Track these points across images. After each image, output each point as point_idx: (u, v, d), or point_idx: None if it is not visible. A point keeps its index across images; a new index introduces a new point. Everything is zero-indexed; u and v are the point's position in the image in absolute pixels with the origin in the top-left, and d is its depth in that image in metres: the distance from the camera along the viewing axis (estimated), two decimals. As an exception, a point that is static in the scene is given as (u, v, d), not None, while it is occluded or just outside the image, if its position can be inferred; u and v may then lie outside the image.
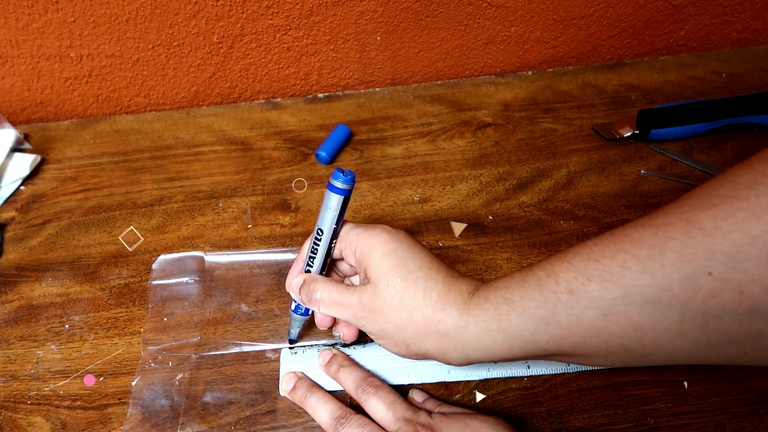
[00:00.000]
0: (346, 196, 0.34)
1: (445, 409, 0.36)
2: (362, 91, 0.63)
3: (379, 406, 0.34)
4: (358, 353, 0.39)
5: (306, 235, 0.49)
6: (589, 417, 0.37)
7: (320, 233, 0.35)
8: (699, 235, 0.25)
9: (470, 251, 0.46)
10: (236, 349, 0.41)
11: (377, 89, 0.63)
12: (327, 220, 0.34)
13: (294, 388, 0.37)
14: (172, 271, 0.46)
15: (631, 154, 0.53)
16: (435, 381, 0.38)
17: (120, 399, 0.40)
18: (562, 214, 0.49)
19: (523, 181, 0.52)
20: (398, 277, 0.31)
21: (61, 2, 0.54)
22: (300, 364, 0.39)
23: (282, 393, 0.38)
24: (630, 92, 0.60)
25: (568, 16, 0.61)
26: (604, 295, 0.26)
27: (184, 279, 0.45)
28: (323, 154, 0.54)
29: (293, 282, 0.37)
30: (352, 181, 0.33)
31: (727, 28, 0.64)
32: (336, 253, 0.36)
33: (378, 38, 0.61)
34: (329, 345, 0.40)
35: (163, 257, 0.47)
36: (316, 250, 0.35)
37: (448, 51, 0.63)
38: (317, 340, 0.41)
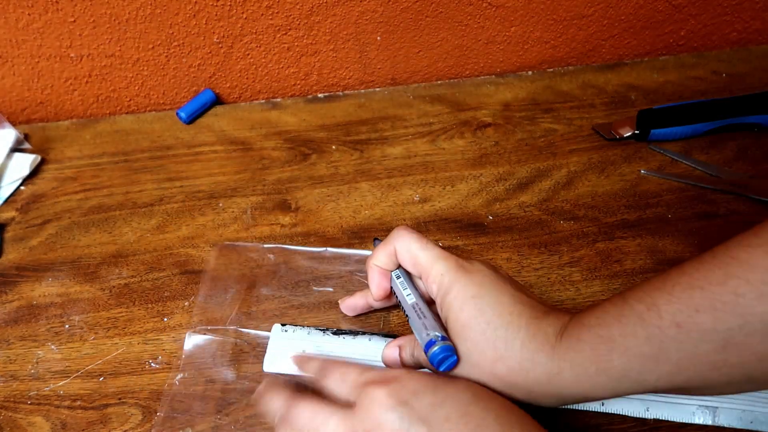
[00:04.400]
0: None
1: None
2: (362, 91, 0.63)
3: (332, 383, 0.31)
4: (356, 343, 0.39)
5: (306, 235, 0.49)
6: (590, 417, 0.36)
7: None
8: None
9: (470, 251, 0.46)
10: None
11: (377, 89, 0.63)
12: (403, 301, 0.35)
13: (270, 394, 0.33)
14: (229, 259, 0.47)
15: (631, 154, 0.53)
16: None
17: (120, 399, 0.40)
18: (562, 214, 0.49)
19: (523, 181, 0.52)
20: (476, 330, 0.30)
21: (61, 2, 0.54)
22: (290, 343, 0.40)
23: (265, 370, 0.39)
24: (630, 92, 0.60)
25: (568, 16, 0.61)
26: (718, 327, 0.24)
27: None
28: (182, 114, 0.59)
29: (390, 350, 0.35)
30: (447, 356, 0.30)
31: (727, 28, 0.64)
32: (415, 271, 0.35)
33: (378, 38, 0.61)
34: (320, 330, 0.41)
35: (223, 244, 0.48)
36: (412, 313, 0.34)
37: (448, 51, 0.63)
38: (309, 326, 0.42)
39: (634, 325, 0.26)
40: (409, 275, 0.37)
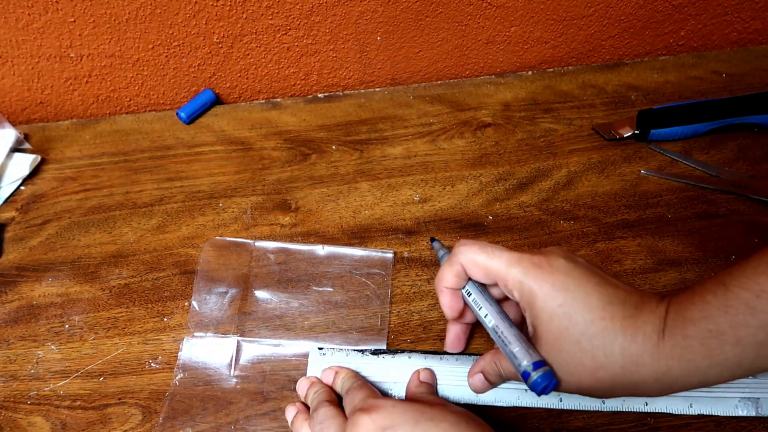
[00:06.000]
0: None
1: (422, 389, 0.36)
2: (362, 91, 0.63)
3: (346, 399, 0.34)
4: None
5: (306, 235, 0.49)
6: (589, 417, 0.37)
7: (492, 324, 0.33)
8: None
9: (470, 251, 0.46)
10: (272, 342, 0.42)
11: (377, 89, 0.63)
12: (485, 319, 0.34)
13: (306, 396, 0.37)
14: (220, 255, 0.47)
15: (631, 154, 0.53)
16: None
17: (120, 399, 0.40)
18: (562, 214, 0.49)
19: (523, 181, 0.52)
20: (570, 341, 0.29)
21: (61, 2, 0.54)
22: (327, 365, 0.39)
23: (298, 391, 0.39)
24: (630, 92, 0.60)
25: (568, 16, 0.61)
26: None
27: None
28: (182, 114, 0.59)
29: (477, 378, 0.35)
30: (541, 391, 0.30)
31: (727, 28, 0.64)
32: (489, 281, 0.34)
33: (378, 38, 0.61)
34: (359, 351, 0.40)
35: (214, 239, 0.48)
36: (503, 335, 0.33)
37: (448, 51, 0.63)
38: (348, 345, 0.41)
39: (744, 315, 0.26)
40: (482, 286, 0.35)
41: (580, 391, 0.30)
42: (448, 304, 0.35)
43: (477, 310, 0.34)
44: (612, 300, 0.29)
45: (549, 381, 0.29)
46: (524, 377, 0.30)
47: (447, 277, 0.35)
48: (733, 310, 0.26)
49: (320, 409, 0.34)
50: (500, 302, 0.35)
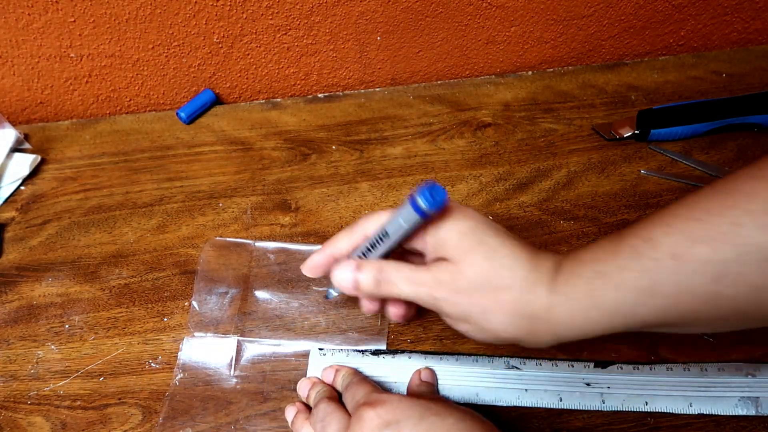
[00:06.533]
0: (425, 218, 0.30)
1: (423, 389, 0.36)
2: (362, 91, 0.63)
3: (347, 396, 0.34)
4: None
5: (306, 235, 0.49)
6: (589, 417, 0.37)
7: (385, 235, 0.31)
8: None
9: (470, 251, 0.46)
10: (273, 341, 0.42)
11: (377, 89, 0.63)
12: (398, 233, 0.31)
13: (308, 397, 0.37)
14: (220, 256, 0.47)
15: (631, 154, 0.53)
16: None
17: (120, 399, 0.40)
18: (562, 214, 0.49)
19: (523, 181, 0.52)
20: (481, 256, 0.29)
21: (61, 2, 0.54)
22: (328, 365, 0.39)
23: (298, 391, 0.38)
24: (630, 92, 0.60)
25: (568, 16, 0.61)
26: (715, 257, 0.24)
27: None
28: (182, 114, 0.59)
29: (344, 265, 0.32)
30: (439, 206, 0.29)
31: (727, 28, 0.64)
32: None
33: (378, 38, 0.61)
34: (359, 351, 0.40)
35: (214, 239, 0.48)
36: (375, 247, 0.32)
37: (448, 51, 0.63)
38: (348, 345, 0.41)
39: (629, 259, 0.26)
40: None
41: (484, 316, 0.29)
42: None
43: (400, 224, 0.31)
44: (517, 237, 0.31)
45: (432, 186, 0.28)
46: (412, 206, 0.29)
47: (341, 243, 0.33)
48: (620, 254, 0.27)
49: (321, 405, 0.34)
50: None
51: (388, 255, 0.33)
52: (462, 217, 0.30)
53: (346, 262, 0.33)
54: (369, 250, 0.32)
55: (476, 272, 0.29)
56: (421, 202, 0.28)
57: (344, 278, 0.32)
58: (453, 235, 0.30)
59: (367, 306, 0.34)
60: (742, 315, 0.25)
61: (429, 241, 0.31)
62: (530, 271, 0.29)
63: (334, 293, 0.38)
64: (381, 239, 0.32)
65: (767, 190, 0.24)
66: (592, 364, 0.38)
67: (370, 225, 0.33)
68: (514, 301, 0.29)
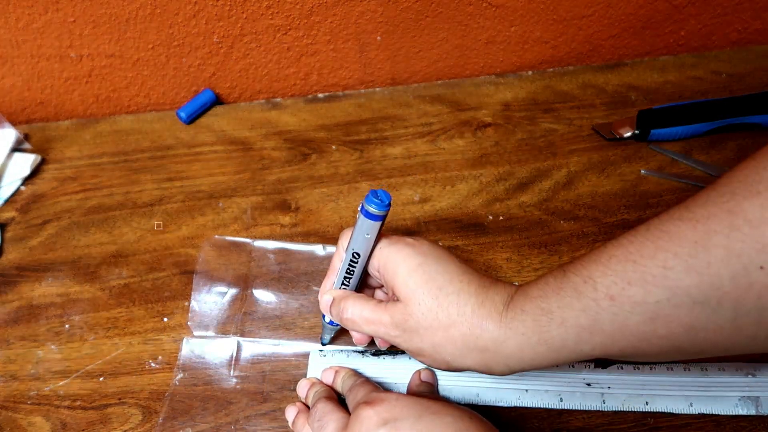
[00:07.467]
0: (382, 221, 0.32)
1: (423, 389, 0.36)
2: (362, 91, 0.63)
3: (349, 396, 0.35)
4: (388, 364, 0.39)
5: (306, 235, 0.49)
6: (589, 417, 0.37)
7: (356, 257, 0.33)
8: (746, 227, 0.22)
9: (470, 251, 0.46)
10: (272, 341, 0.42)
11: (377, 89, 0.63)
12: (363, 245, 0.33)
13: (306, 396, 0.38)
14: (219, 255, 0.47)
15: (631, 154, 0.53)
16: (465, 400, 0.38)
17: (120, 399, 0.40)
18: (562, 214, 0.49)
19: (523, 181, 0.52)
20: (428, 295, 0.30)
21: (61, 2, 0.54)
22: (328, 366, 0.39)
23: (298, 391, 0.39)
24: (630, 92, 0.60)
25: (568, 16, 0.61)
26: (648, 299, 0.25)
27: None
28: (182, 114, 0.59)
29: (323, 299, 0.36)
30: (388, 206, 0.31)
31: (727, 28, 0.64)
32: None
33: (378, 38, 0.61)
34: (359, 352, 0.40)
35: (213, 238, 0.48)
36: (352, 271, 0.34)
37: (448, 51, 0.63)
38: (348, 345, 0.41)
39: (571, 297, 0.27)
40: None
41: (435, 350, 0.31)
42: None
43: (362, 237, 0.33)
44: (469, 272, 0.31)
45: (375, 191, 0.31)
46: (367, 216, 0.31)
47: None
48: (563, 292, 0.27)
49: (318, 405, 0.34)
50: None
51: (365, 269, 0.35)
52: (411, 254, 0.32)
53: (323, 299, 0.36)
54: (348, 276, 0.35)
55: (423, 312, 0.30)
56: (373, 209, 0.31)
57: (323, 306, 0.37)
58: (402, 273, 0.32)
59: (356, 337, 0.36)
60: (680, 351, 0.26)
61: (383, 278, 0.33)
62: (479, 306, 0.30)
63: (327, 339, 0.40)
64: (354, 261, 0.34)
65: (694, 233, 0.24)
66: (592, 364, 0.38)
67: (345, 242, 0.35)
68: (463, 335, 0.30)
